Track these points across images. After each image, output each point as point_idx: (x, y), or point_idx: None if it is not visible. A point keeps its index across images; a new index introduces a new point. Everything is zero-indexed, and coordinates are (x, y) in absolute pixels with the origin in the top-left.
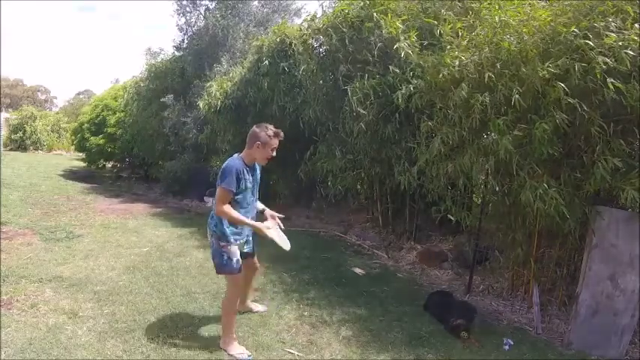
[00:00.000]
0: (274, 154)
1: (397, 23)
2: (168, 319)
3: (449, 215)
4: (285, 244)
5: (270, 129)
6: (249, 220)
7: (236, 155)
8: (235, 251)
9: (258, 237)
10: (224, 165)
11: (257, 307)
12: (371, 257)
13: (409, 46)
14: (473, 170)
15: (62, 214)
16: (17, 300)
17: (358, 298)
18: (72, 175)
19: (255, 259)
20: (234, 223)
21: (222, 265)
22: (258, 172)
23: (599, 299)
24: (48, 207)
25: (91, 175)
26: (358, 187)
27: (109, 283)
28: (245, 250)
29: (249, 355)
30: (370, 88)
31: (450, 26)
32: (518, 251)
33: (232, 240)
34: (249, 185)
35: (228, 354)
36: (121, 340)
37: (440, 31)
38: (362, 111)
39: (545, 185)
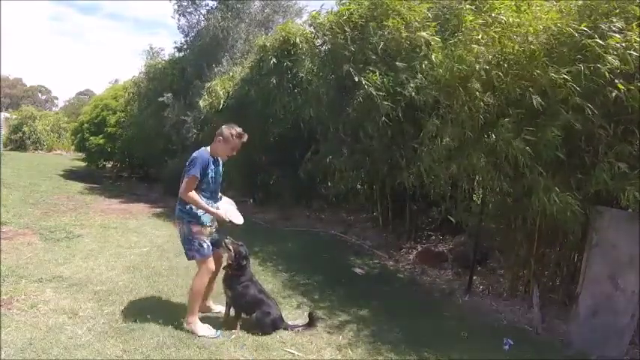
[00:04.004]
0: (235, 153)
1: (423, 10)
2: (169, 319)
3: (449, 216)
4: (238, 219)
5: (236, 129)
6: (209, 207)
7: (204, 148)
8: (206, 236)
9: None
10: (193, 155)
11: (216, 307)
12: (371, 257)
13: (429, 35)
14: (478, 171)
15: (62, 214)
16: (17, 300)
17: (358, 298)
18: (72, 175)
19: (221, 251)
20: (197, 207)
21: (194, 250)
22: (221, 166)
23: (599, 299)
24: (48, 207)
25: (91, 175)
26: (359, 186)
27: (109, 283)
28: (212, 239)
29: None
30: (383, 86)
31: (471, 18)
32: (518, 251)
33: (203, 221)
34: (213, 175)
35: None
36: (121, 340)
37: (455, 25)
38: (386, 103)
39: (557, 189)
